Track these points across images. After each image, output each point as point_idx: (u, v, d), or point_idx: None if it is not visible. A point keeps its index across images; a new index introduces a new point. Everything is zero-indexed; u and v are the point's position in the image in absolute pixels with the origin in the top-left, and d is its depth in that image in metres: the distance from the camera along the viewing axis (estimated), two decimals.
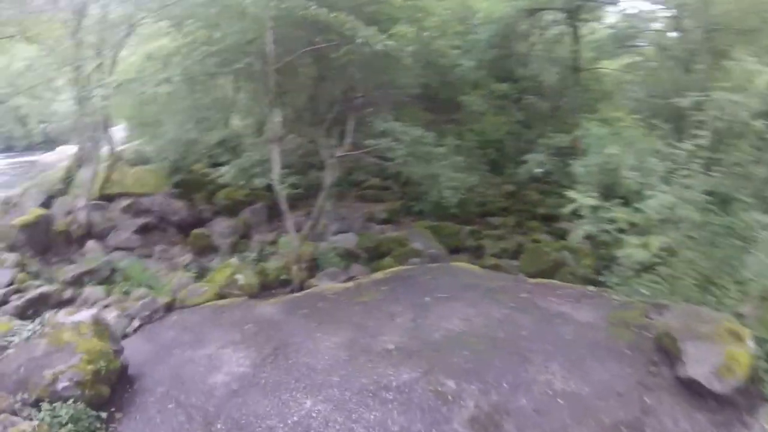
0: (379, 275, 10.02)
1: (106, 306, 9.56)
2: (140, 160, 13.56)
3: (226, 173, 10.42)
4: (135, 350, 7.69)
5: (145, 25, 11.53)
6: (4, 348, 6.58)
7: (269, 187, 10.91)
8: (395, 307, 8.30)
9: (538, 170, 12.41)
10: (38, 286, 9.65)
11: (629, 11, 15.94)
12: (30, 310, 9.01)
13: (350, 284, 9.75)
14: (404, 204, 14.61)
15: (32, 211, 11.30)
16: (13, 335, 6.73)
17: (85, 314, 6.89)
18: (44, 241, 11.01)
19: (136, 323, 8.72)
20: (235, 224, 12.92)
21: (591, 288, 8.98)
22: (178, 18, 9.98)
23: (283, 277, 10.59)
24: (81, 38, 10.98)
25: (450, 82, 12.69)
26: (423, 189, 9.94)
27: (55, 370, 6.11)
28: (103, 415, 6.04)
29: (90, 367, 6.27)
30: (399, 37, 8.76)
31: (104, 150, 13.04)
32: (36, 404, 5.86)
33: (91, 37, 11.22)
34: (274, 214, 12.42)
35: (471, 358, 6.60)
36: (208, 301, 9.62)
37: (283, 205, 10.27)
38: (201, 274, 11.00)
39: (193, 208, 13.14)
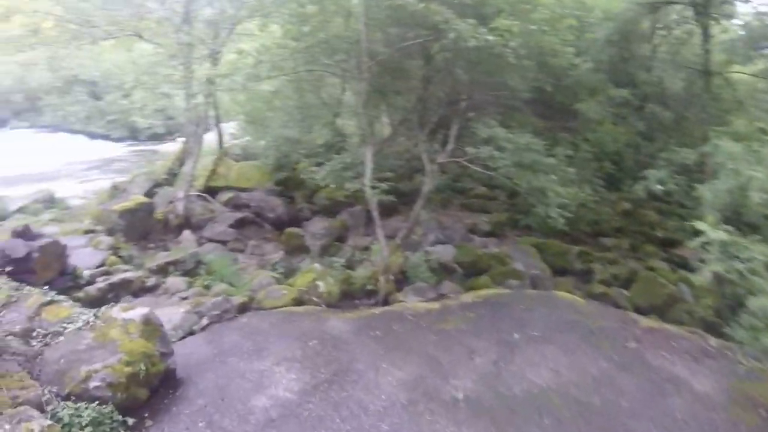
0: (469, 297, 8.75)
1: (184, 298, 9.26)
2: (246, 155, 13.53)
3: (318, 174, 9.78)
4: (192, 352, 7.19)
5: (247, 23, 11.33)
6: (58, 334, 6.27)
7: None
8: (478, 341, 7.00)
9: (658, 188, 10.56)
10: (124, 271, 9.60)
11: (762, 8, 13.05)
12: (110, 294, 8.89)
13: (436, 305, 8.55)
14: (510, 216, 13.24)
15: (134, 198, 11.47)
16: (69, 322, 6.42)
17: (136, 312, 6.39)
18: (142, 227, 11.08)
19: (204, 321, 8.21)
20: (331, 226, 12.29)
21: (712, 342, 7.31)
22: (281, 16, 9.52)
23: (368, 287, 9.67)
24: (185, 36, 10.99)
25: (565, 86, 11.10)
26: (531, 202, 8.56)
27: (91, 367, 5.63)
28: (131, 421, 5.48)
29: (127, 369, 5.73)
30: (502, 32, 7.49)
31: (213, 144, 13.16)
32: (66, 399, 5.42)
33: (196, 35, 11.21)
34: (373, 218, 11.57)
35: (551, 430, 5.13)
36: (284, 306, 8.96)
37: (374, 212, 9.40)
38: (288, 274, 10.43)
39: (291, 206, 12.77)
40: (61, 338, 6.21)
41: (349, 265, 10.57)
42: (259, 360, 6.88)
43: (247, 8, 10.67)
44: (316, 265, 9.99)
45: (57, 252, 8.73)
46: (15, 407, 5.06)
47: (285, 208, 12.57)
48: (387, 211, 11.06)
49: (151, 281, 9.55)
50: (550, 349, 6.69)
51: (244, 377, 6.44)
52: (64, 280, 8.78)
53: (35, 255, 8.30)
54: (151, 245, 11.09)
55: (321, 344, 7.25)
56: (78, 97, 13.56)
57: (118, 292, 8.99)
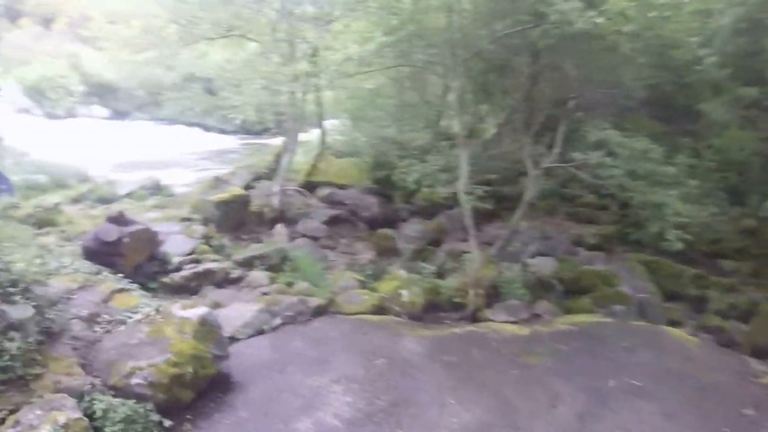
0: (564, 324, 7.59)
1: (265, 293, 8.97)
2: (346, 152, 13.21)
3: (411, 176, 9.06)
4: (254, 353, 6.82)
5: (342, 20, 10.90)
6: (121, 323, 6.16)
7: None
8: (564, 385, 5.87)
9: None
10: (212, 261, 9.57)
11: None
12: (193, 283, 8.85)
13: (525, 330, 7.46)
14: (620, 229, 11.61)
15: (231, 190, 11.53)
16: (134, 312, 6.29)
17: (194, 312, 6.06)
18: (237, 219, 11.08)
19: (277, 321, 7.82)
20: (426, 229, 11.54)
21: None
22: (371, 10, 8.92)
23: (456, 299, 8.78)
24: (280, 33, 10.83)
25: (687, 84, 9.27)
26: (644, 215, 7.17)
27: (136, 363, 5.37)
28: (167, 423, 5.16)
29: (173, 370, 5.41)
30: (613, 15, 6.19)
31: (316, 139, 13.03)
32: (110, 391, 5.22)
33: (292, 32, 11.00)
34: (476, 222, 10.60)
35: None
36: (362, 313, 8.36)
37: (468, 219, 8.50)
38: (375, 277, 9.83)
39: (387, 205, 12.20)
40: (122, 328, 6.09)
41: (440, 273, 9.72)
42: (318, 373, 6.30)
43: (343, 3, 10.23)
44: (402, 272, 9.27)
45: (147, 238, 8.84)
46: (55, 393, 4.93)
47: (380, 208, 12.01)
48: (487, 216, 10.10)
49: (236, 273, 9.40)
50: (648, 409, 5.39)
51: (296, 392, 5.88)
52: (152, 265, 8.87)
53: (125, 240, 8.42)
54: (245, 237, 11.05)
55: (388, 364, 6.50)
56: (194, 93, 14.31)
57: (200, 281, 8.91)
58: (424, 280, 9.13)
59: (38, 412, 4.59)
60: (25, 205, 9.47)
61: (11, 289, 5.37)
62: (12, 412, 4.62)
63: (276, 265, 9.80)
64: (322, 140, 13.75)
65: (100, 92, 28.84)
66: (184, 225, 10.58)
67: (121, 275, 7.31)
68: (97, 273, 7.17)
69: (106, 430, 4.78)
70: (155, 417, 5.13)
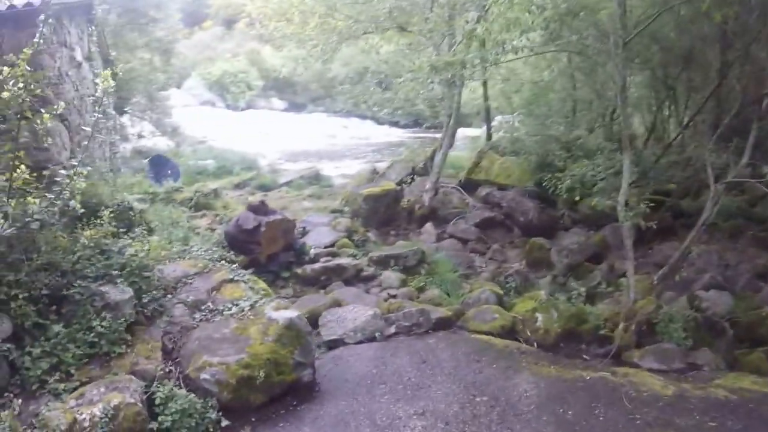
0: (723, 389, 5.57)
1: (393, 296, 8.46)
2: (511, 150, 11.95)
3: (561, 182, 7.64)
4: (351, 364, 6.26)
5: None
6: (219, 313, 6.11)
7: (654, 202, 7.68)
8: None
9: None
10: (348, 256, 9.31)
11: None
12: (323, 277, 8.68)
13: (671, 389, 5.62)
14: None
15: (383, 184, 11.18)
16: (235, 304, 6.19)
17: (283, 314, 5.71)
18: (386, 214, 10.72)
19: (391, 330, 7.17)
20: (586, 242, 9.80)
21: None
22: None
23: (602, 332, 7.17)
24: (430, 24, 10.00)
25: None
26: None
27: (210, 359, 5.19)
28: (226, 423, 4.88)
29: (242, 372, 5.12)
30: None
31: (481, 136, 12.07)
32: (180, 381, 5.16)
33: (441, 21, 10.13)
34: (646, 238, 8.69)
35: None
36: (487, 334, 7.27)
37: (627, 238, 6.83)
38: (519, 290, 8.70)
39: (547, 211, 10.67)
40: (216, 319, 6.03)
41: (591, 296, 8.10)
42: (406, 401, 5.49)
43: None
44: (542, 293, 7.90)
45: (284, 228, 8.92)
46: (129, 373, 4.98)
47: (538, 213, 10.55)
48: (660, 233, 8.13)
49: (369, 271, 9.03)
50: None
51: (372, 419, 5.16)
52: (288, 255, 8.95)
53: (262, 229, 8.59)
54: (393, 233, 10.65)
55: (489, 406, 5.40)
56: (367, 86, 14.44)
57: (330, 276, 8.72)
58: (568, 302, 7.65)
59: (102, 389, 4.65)
60: (187, 189, 10.35)
61: (115, 272, 5.65)
62: (83, 384, 4.76)
63: (412, 266, 9.18)
64: (488, 137, 12.75)
65: (278, 86, 31.30)
66: (333, 217, 10.57)
67: (235, 265, 7.32)
68: (219, 260, 7.30)
69: (160, 417, 4.67)
70: (213, 415, 4.89)
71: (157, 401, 4.79)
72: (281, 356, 5.41)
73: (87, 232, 5.60)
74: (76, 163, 5.54)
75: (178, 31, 17.40)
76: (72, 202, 5.50)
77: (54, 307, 5.16)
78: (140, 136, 14.84)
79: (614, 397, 5.41)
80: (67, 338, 5.00)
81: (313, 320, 7.18)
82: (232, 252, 8.71)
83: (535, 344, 7.12)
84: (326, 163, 13.84)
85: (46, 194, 5.27)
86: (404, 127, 22.61)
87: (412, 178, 12.08)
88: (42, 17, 5.09)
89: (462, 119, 19.08)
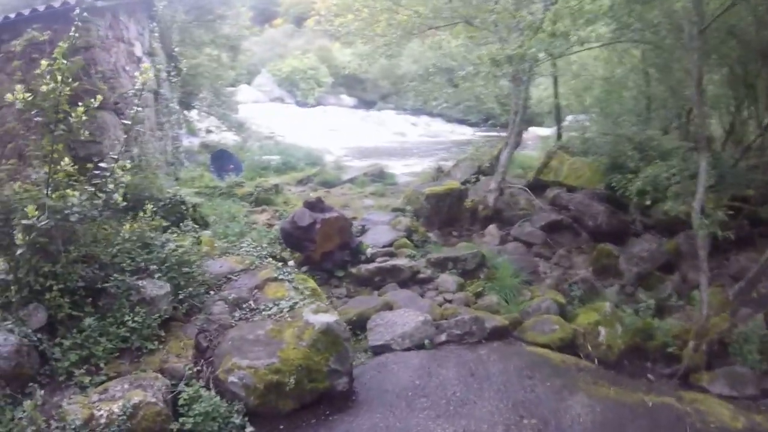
0: None
1: (448, 301, 7.93)
2: (582, 150, 11.01)
3: (632, 184, 6.84)
4: (394, 373, 5.84)
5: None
6: (258, 312, 5.88)
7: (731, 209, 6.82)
8: None
9: None
10: (406, 257, 8.86)
11: None
12: (377, 278, 8.27)
13: (741, 422, 4.82)
14: None
15: (446, 183, 10.61)
16: (276, 304, 5.92)
17: (321, 318, 5.37)
18: (448, 214, 10.14)
19: (441, 338, 6.66)
20: (659, 249, 8.80)
21: None
22: None
23: (670, 349, 6.32)
24: (495, 15, 9.29)
25: None
26: None
27: (239, 361, 4.93)
28: (251, 429, 4.60)
29: (271, 377, 4.83)
30: None
31: (552, 136, 11.23)
32: (211, 382, 4.94)
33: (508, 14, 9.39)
34: (722, 248, 7.70)
35: None
36: (544, 347, 6.64)
37: (701, 249, 5.97)
38: (583, 300, 7.89)
39: (617, 215, 9.69)
40: (256, 319, 5.81)
41: (659, 310, 7.24)
42: (446, 418, 5.01)
43: None
44: (606, 304, 7.06)
45: (339, 226, 8.60)
46: (157, 371, 4.82)
47: (608, 217, 9.57)
48: (739, 243, 7.15)
49: (425, 274, 8.53)
50: None
51: None
52: (343, 254, 8.64)
53: (317, 226, 8.34)
54: (455, 234, 10.08)
55: (537, 431, 4.78)
56: (436, 84, 13.90)
57: (385, 277, 8.30)
58: (635, 315, 6.82)
59: (126, 386, 4.49)
60: (248, 184, 10.31)
61: (154, 267, 5.56)
62: (111, 378, 4.64)
63: (471, 270, 8.60)
64: (558, 136, 11.88)
65: (347, 83, 31.02)
66: (393, 215, 10.18)
67: (291, 263, 7.13)
68: (267, 257, 7.10)
69: (182, 419, 4.47)
70: (238, 420, 4.63)
71: (181, 402, 4.60)
72: (315, 363, 5.08)
73: (126, 226, 5.54)
74: (116, 156, 5.45)
75: (249, 28, 17.64)
76: (115, 195, 5.47)
77: (90, 300, 5.11)
78: (208, 131, 15.22)
79: (678, 429, 4.63)
80: (99, 331, 4.90)
81: (362, 323, 6.88)
82: (288, 249, 8.62)
83: (596, 360, 6.44)
84: (393, 161, 13.48)
85: (86, 187, 5.24)
86: (474, 125, 21.79)
87: (477, 178, 11.44)
88: (77, 11, 5.03)
89: (533, 118, 18.26)
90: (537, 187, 11.15)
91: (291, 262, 8.69)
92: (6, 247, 4.83)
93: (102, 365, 4.77)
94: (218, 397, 4.72)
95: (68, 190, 5.06)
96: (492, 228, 9.91)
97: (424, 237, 9.57)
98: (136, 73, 5.98)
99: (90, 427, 4.15)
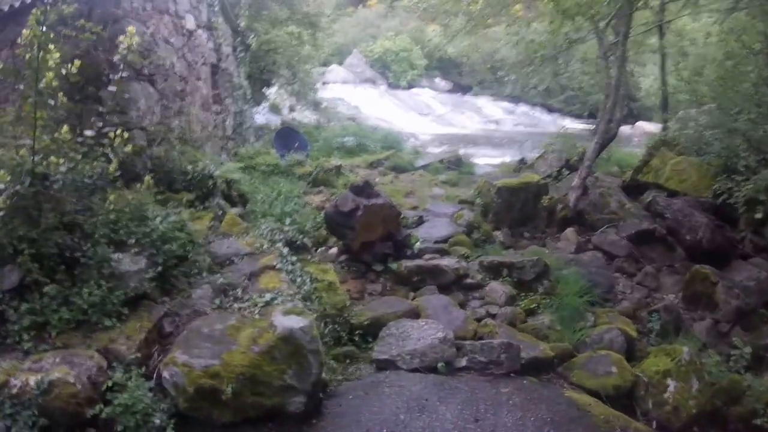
0: None
1: (491, 315, 6.74)
2: (687, 147, 8.83)
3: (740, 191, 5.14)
4: (381, 401, 4.86)
5: None
6: (240, 301, 5.28)
7: None
8: None
9: None
10: (458, 256, 7.77)
11: None
12: (416, 277, 7.30)
13: None
14: None
15: (523, 176, 9.16)
16: (260, 296, 5.28)
17: (286, 322, 4.60)
18: (521, 211, 8.73)
19: (461, 362, 5.56)
20: None
21: None
22: None
23: (757, 420, 4.68)
24: None
25: None
26: None
27: (179, 355, 4.37)
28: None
29: (204, 381, 4.18)
30: None
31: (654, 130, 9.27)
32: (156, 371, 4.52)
33: None
34: None
35: None
36: (590, 393, 5.28)
37: None
38: (662, 335, 6.33)
39: (723, 230, 7.56)
40: (235, 308, 5.24)
41: (757, 361, 5.64)
42: None
43: None
44: (684, 350, 5.35)
45: (384, 214, 7.74)
46: (102, 351, 4.47)
47: (710, 232, 7.45)
48: None
49: (475, 279, 7.39)
50: None
51: None
52: (385, 246, 7.76)
53: (359, 213, 7.59)
54: (526, 235, 8.70)
55: None
56: (537, 71, 12.17)
57: (424, 277, 7.29)
58: (722, 367, 5.13)
59: (57, 359, 4.24)
60: (311, 163, 9.82)
61: (132, 241, 5.22)
62: (56, 349, 4.42)
63: (529, 280, 7.26)
64: (663, 131, 9.76)
65: (443, 66, 28.95)
66: (459, 208, 9.08)
67: (287, 250, 6.40)
68: (279, 241, 6.52)
69: (105, 407, 4.11)
70: (158, 420, 4.11)
71: (104, 388, 4.21)
72: (264, 373, 4.34)
73: (111, 196, 5.29)
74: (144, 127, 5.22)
75: (339, 8, 17.03)
76: (112, 165, 5.26)
77: (64, 268, 4.94)
78: (291, 110, 15.03)
79: None
80: (62, 300, 4.70)
81: (376, 329, 6.03)
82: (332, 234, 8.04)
83: (655, 424, 4.91)
84: (480, 150, 12.20)
85: (72, 155, 5.05)
86: (578, 117, 19.32)
87: (560, 172, 9.81)
88: None
89: (641, 112, 15.69)
90: (633, 188, 9.29)
91: (333, 250, 8.13)
92: None
93: (54, 334, 4.55)
94: (147, 391, 4.24)
95: (53, 158, 4.93)
96: (569, 232, 8.37)
97: (486, 235, 8.36)
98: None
99: (2, 395, 3.95)
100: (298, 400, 4.47)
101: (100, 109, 5.17)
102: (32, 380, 4.01)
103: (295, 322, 4.67)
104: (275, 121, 14.16)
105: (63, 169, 4.96)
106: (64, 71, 4.66)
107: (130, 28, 4.99)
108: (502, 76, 18.60)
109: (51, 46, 4.64)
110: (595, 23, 8.54)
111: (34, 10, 4.59)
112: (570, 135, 11.29)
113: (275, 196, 8.36)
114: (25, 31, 4.64)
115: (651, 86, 12.46)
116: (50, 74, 4.60)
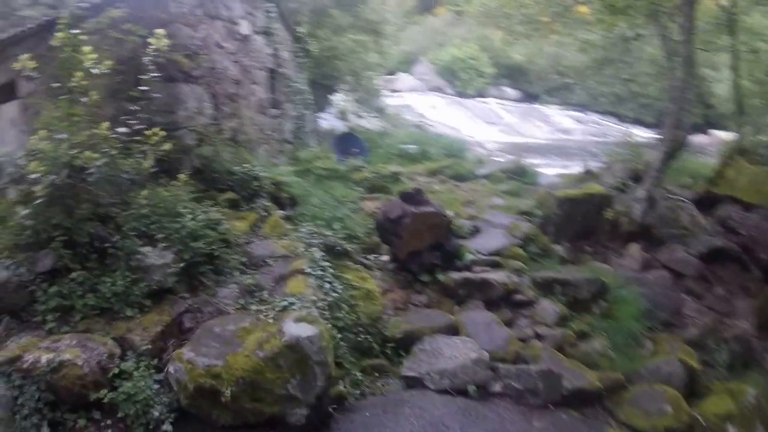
0: None
1: (539, 336, 6.10)
2: (767, 157, 7.58)
3: None
4: (396, 425, 4.48)
5: None
6: (266, 304, 5.12)
7: None
8: None
9: None
10: (510, 270, 7.17)
11: None
12: (461, 290, 6.80)
13: None
14: None
15: (586, 186, 8.31)
16: (282, 301, 5.06)
17: (294, 329, 4.36)
18: (583, 224, 7.93)
19: (495, 387, 5.08)
20: None
21: None
22: None
23: None
24: None
25: None
26: None
27: (185, 353, 4.28)
28: (168, 427, 4.12)
29: (204, 380, 4.09)
30: None
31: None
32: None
33: None
34: None
35: None
36: None
37: None
38: (732, 369, 5.42)
39: None
40: (253, 310, 5.07)
41: None
42: None
43: None
44: (749, 390, 4.49)
45: (432, 223, 7.31)
46: (118, 339, 4.57)
47: None
48: None
49: (524, 296, 6.76)
50: None
51: None
52: (432, 256, 7.32)
53: (405, 220, 7.24)
54: (588, 249, 7.91)
55: None
56: (607, 78, 11.07)
57: (470, 291, 6.77)
58: None
59: (73, 342, 4.40)
60: (369, 169, 9.57)
61: (161, 236, 5.23)
62: (77, 332, 4.57)
63: (583, 300, 6.54)
64: (739, 138, 8.52)
65: (511, 74, 27.89)
66: (516, 219, 8.45)
67: (321, 254, 6.15)
68: (310, 246, 6.30)
69: (109, 392, 4.19)
70: (157, 412, 4.11)
71: (110, 375, 4.28)
72: (266, 380, 4.13)
73: (144, 191, 5.35)
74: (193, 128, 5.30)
75: (410, 14, 16.72)
76: (146, 162, 5.35)
77: (95, 256, 5.05)
78: (358, 116, 14.82)
79: None
80: (87, 287, 4.82)
81: (409, 343, 5.65)
82: (382, 241, 7.75)
83: None
84: (546, 159, 11.38)
85: (107, 151, 5.15)
86: (652, 127, 17.58)
87: (625, 183, 8.84)
88: None
89: (717, 120, 13.99)
90: (706, 201, 8.21)
91: (385, 257, 7.82)
92: (29, 197, 5.04)
93: (77, 318, 4.71)
94: (152, 383, 4.27)
95: (88, 152, 5.06)
96: (634, 248, 7.51)
97: (544, 248, 7.67)
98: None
99: (13, 367, 4.14)
100: (299, 412, 4.21)
101: (132, 107, 5.18)
102: (44, 358, 4.16)
103: (303, 330, 4.42)
104: (341, 127, 14.15)
105: (99, 163, 5.06)
106: (95, 71, 4.71)
107: (159, 31, 5.01)
108: (570, 83, 17.53)
109: (85, 48, 4.74)
110: (655, 19, 7.61)
111: (63, 16, 4.74)
112: (638, 144, 10.23)
113: (329, 200, 8.20)
114: (57, 35, 4.82)
115: (726, 92, 11.07)
116: (79, 74, 4.70)
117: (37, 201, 4.88)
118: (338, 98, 15.20)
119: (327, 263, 5.94)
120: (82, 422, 4.14)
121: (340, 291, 5.73)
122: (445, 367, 5.17)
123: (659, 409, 4.73)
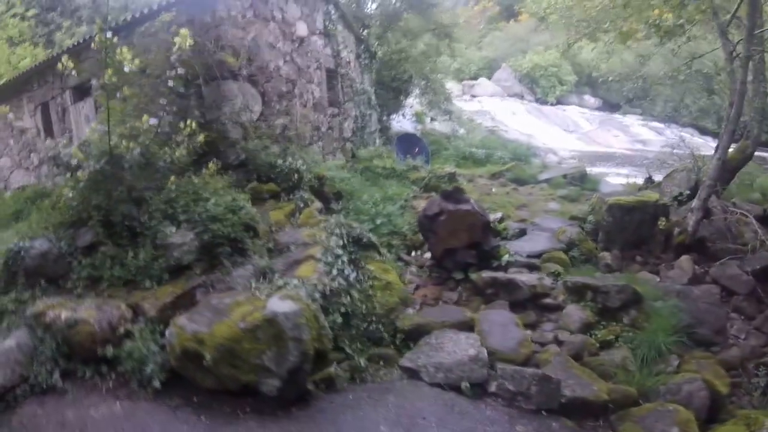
0: None
1: (558, 342, 5.68)
2: None
3: None
4: (376, 411, 4.45)
5: None
6: (273, 285, 5.30)
7: None
8: None
9: None
10: (546, 273, 6.74)
11: None
12: (489, 290, 6.54)
13: None
14: None
15: (642, 195, 7.48)
16: (287, 283, 5.23)
17: (274, 306, 4.50)
18: (635, 233, 7.24)
19: (491, 387, 4.82)
20: None
21: None
22: None
23: None
24: None
25: None
26: None
27: (179, 320, 4.59)
28: (157, 384, 4.53)
29: (189, 344, 4.37)
30: None
31: None
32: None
33: None
34: None
35: None
36: None
37: None
38: (760, 405, 4.58)
39: None
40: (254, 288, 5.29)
41: None
42: None
43: None
44: (766, 422, 3.73)
45: (469, 222, 7.12)
46: (132, 306, 5.02)
47: None
48: None
49: (552, 300, 6.35)
50: None
51: None
52: (467, 254, 7.17)
53: (442, 218, 7.14)
54: (639, 259, 7.20)
55: None
56: (690, 89, 9.64)
57: (497, 291, 6.52)
58: None
59: (93, 305, 4.88)
60: (426, 169, 9.47)
61: (183, 217, 5.64)
62: (99, 297, 5.12)
63: (614, 308, 5.98)
64: None
65: (592, 83, 26.31)
66: (568, 224, 7.91)
67: (339, 243, 6.21)
68: (331, 236, 6.38)
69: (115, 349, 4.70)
70: (149, 369, 4.54)
71: (117, 334, 4.76)
72: (242, 349, 4.30)
73: (172, 177, 5.83)
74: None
75: (493, 21, 16.06)
76: (182, 151, 5.84)
77: (127, 234, 5.61)
78: (432, 119, 14.53)
79: None
80: (116, 261, 5.38)
81: (419, 336, 5.58)
82: (423, 238, 7.70)
83: None
84: (615, 168, 10.42)
85: (142, 141, 5.68)
86: (734, 141, 15.06)
87: (681, 194, 7.79)
88: None
89: None
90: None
91: (427, 254, 7.75)
92: (76, 182, 5.73)
93: (104, 287, 5.27)
94: (151, 343, 4.69)
95: (125, 142, 5.62)
96: (684, 260, 6.69)
97: (587, 254, 7.14)
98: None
99: (38, 322, 4.74)
100: (272, 383, 4.32)
101: (161, 101, 5.66)
102: (63, 315, 4.73)
103: (284, 306, 4.54)
104: (409, 128, 14.13)
105: (136, 152, 5.60)
106: (127, 69, 5.22)
107: (183, 31, 5.43)
108: (653, 94, 15.89)
109: (123, 48, 5.28)
110: (712, 16, 6.69)
111: (97, 20, 5.32)
112: (704, 156, 9.05)
113: (379, 197, 8.30)
114: (96, 37, 5.41)
115: None
116: (109, 71, 5.25)
117: (81, 185, 5.54)
118: (412, 101, 15.24)
119: (342, 251, 6.02)
120: (89, 373, 4.63)
121: (351, 279, 5.79)
122: (441, 361, 5.03)
123: (664, 431, 4.17)
